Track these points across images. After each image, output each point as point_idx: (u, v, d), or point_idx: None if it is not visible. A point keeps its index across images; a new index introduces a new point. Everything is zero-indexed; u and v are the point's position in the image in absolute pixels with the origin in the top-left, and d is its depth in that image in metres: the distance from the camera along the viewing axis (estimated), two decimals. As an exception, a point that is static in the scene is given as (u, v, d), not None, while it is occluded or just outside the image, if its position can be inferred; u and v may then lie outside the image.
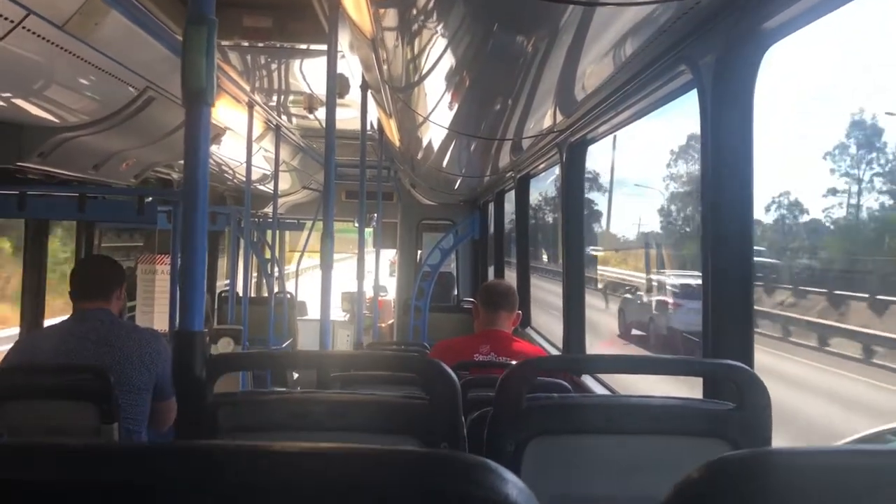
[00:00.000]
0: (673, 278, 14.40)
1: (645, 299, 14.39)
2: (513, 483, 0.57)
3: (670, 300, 13.63)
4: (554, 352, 4.41)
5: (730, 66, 1.94)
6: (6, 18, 2.60)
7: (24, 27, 2.71)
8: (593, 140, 3.66)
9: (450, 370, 1.54)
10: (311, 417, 1.51)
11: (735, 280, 1.92)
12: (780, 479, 0.63)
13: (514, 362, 3.52)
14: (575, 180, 3.78)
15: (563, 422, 1.55)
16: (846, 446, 0.61)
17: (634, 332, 13.96)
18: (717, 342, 1.92)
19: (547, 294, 8.68)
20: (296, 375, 7.26)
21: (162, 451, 0.59)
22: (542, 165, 4.97)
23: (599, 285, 16.16)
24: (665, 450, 1.56)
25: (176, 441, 0.79)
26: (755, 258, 2.04)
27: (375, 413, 1.53)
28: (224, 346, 4.82)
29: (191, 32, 1.41)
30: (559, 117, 3.50)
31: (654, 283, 14.79)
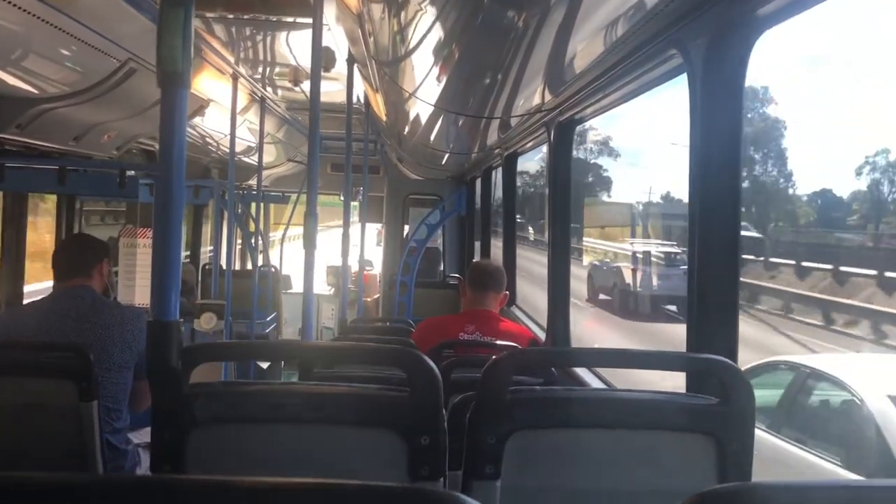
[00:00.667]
0: (637, 247, 15.60)
1: (612, 266, 15.25)
2: None
3: (630, 266, 14.77)
4: (539, 332, 4.41)
5: (721, 51, 1.91)
6: (-19, -12, 2.53)
7: (1, -3, 2.63)
8: (581, 120, 3.62)
9: (432, 364, 1.52)
10: (289, 409, 1.49)
11: (721, 273, 1.90)
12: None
13: (499, 342, 3.52)
14: (562, 161, 3.75)
15: (546, 416, 1.53)
16: (830, 481, 0.59)
17: (601, 296, 14.68)
18: (701, 337, 1.91)
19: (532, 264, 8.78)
20: None
21: (124, 485, 0.56)
22: (529, 144, 4.93)
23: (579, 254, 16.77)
24: (649, 444, 1.55)
25: (137, 477, 0.76)
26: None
27: (355, 405, 1.51)
28: (207, 321, 4.78)
29: (167, 12, 1.36)
30: (548, 96, 3.46)
31: (621, 252, 15.72)
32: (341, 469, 1.50)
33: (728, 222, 1.91)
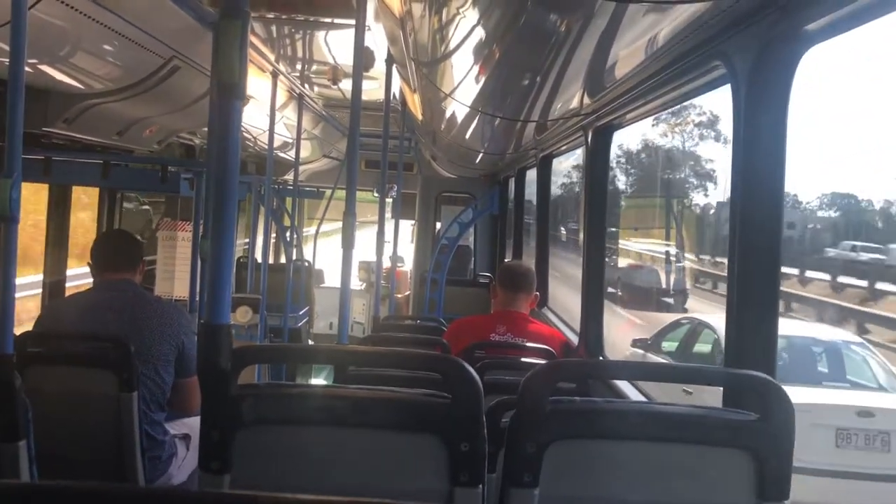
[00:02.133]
0: (636, 245, 16.90)
1: (617, 262, 16.05)
2: None
3: (630, 261, 16.22)
4: (570, 334, 4.41)
5: (767, 65, 1.90)
6: (35, -13, 2.59)
7: (52, -5, 2.70)
8: (620, 126, 3.62)
9: (474, 373, 1.54)
10: (333, 412, 1.52)
11: (760, 287, 1.90)
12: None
13: (530, 344, 3.54)
14: (599, 165, 3.75)
15: (585, 427, 1.55)
16: None
17: (608, 289, 15.63)
18: (739, 350, 1.91)
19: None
20: (310, 343, 7.30)
21: (172, 497, 0.59)
22: (565, 147, 4.92)
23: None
24: (686, 458, 1.56)
25: (183, 490, 0.79)
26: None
27: (398, 410, 1.54)
28: (242, 314, 4.85)
29: (225, 25, 1.39)
30: (586, 101, 3.46)
31: (624, 249, 16.64)
32: (382, 472, 1.53)
33: (769, 236, 1.91)
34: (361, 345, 4.18)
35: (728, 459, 1.54)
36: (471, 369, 1.53)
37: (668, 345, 8.60)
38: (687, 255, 15.99)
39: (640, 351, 8.43)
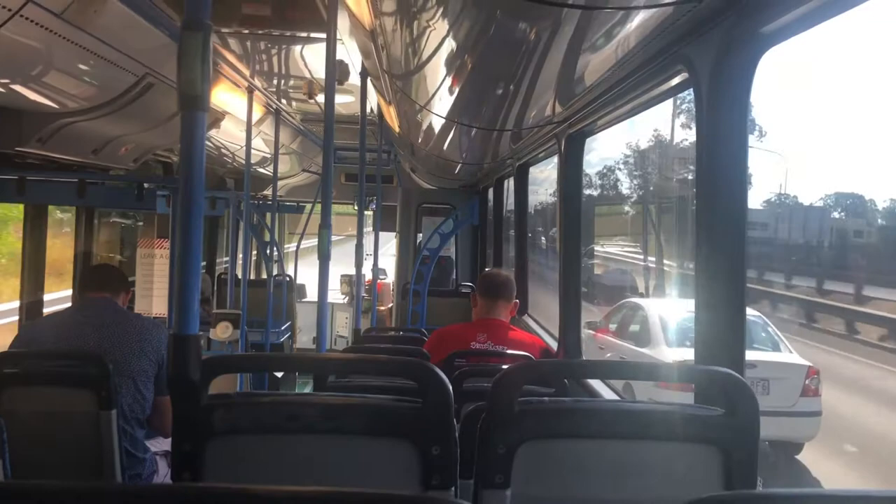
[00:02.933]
0: (606, 247, 17.48)
1: (587, 262, 16.81)
2: None
3: (598, 262, 16.77)
4: (549, 340, 4.43)
5: (727, 67, 1.94)
6: (5, 7, 2.59)
7: (22, 15, 2.70)
8: (591, 132, 3.65)
9: (444, 376, 1.55)
10: (304, 419, 1.53)
11: (727, 285, 1.93)
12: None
13: (510, 351, 3.56)
14: (573, 171, 3.78)
15: (555, 426, 1.57)
16: (832, 490, 0.62)
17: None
18: (707, 348, 1.94)
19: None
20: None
21: (147, 494, 0.61)
22: (541, 154, 4.96)
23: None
24: (656, 455, 1.58)
25: (159, 485, 0.80)
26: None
27: (369, 416, 1.55)
28: (223, 330, 4.84)
29: (187, 38, 1.41)
30: (558, 108, 3.49)
31: (595, 251, 17.10)
32: (355, 478, 1.54)
33: (734, 235, 1.94)
34: None
35: (696, 454, 1.56)
36: (440, 373, 1.55)
37: (613, 325, 10.34)
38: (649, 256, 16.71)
39: (591, 331, 9.81)
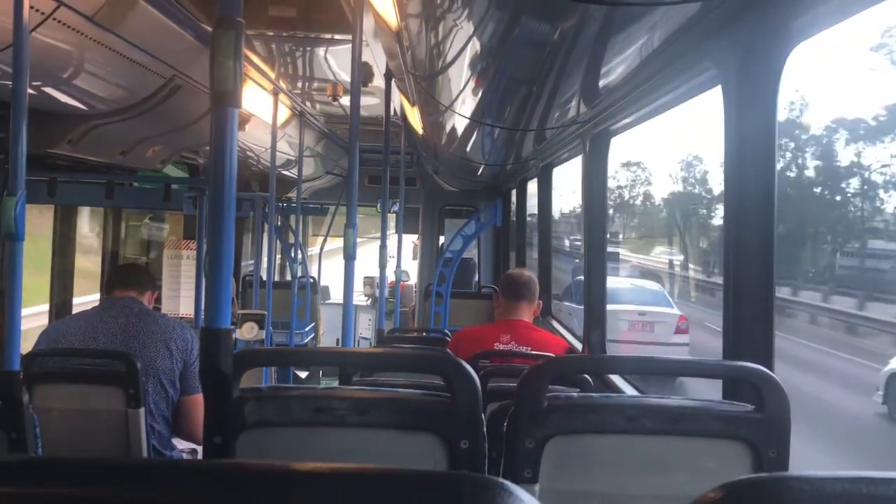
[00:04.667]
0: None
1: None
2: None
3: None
4: (573, 341, 4.42)
5: (754, 63, 1.93)
6: (38, 10, 2.64)
7: (54, 18, 2.75)
8: (616, 132, 3.64)
9: (472, 370, 1.56)
10: (334, 413, 1.54)
11: (757, 280, 1.91)
12: None
13: (534, 351, 3.55)
14: (598, 172, 3.77)
15: (583, 421, 1.57)
16: (870, 473, 0.61)
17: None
18: (737, 343, 1.93)
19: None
20: None
21: (186, 468, 0.62)
22: (565, 155, 4.95)
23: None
24: (684, 451, 1.57)
25: (197, 461, 0.81)
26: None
27: (397, 410, 1.55)
28: (248, 330, 4.87)
29: (219, 35, 1.43)
30: (583, 108, 3.49)
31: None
32: (384, 472, 1.55)
33: (763, 231, 1.93)
34: None
35: (726, 451, 1.55)
36: (468, 367, 1.55)
37: (567, 297, 12.27)
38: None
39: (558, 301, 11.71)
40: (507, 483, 0.57)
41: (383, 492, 0.57)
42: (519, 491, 0.58)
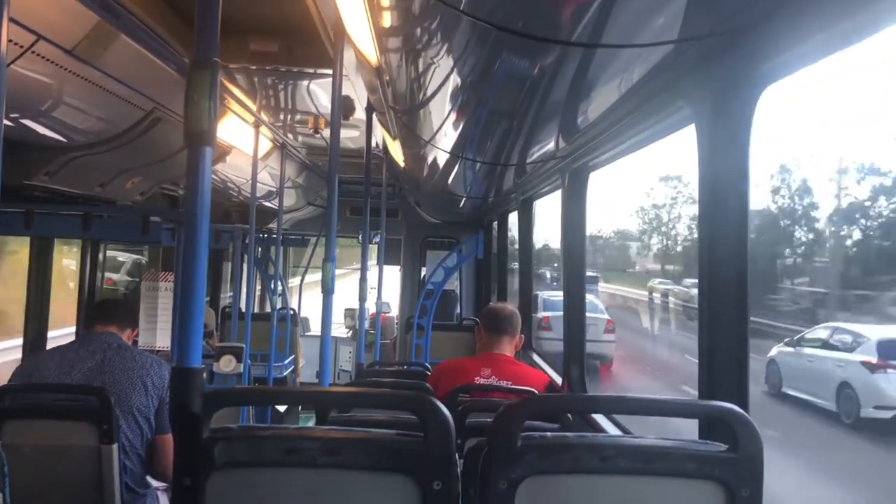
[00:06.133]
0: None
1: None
2: None
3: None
4: (554, 375, 4.41)
5: (727, 103, 1.96)
6: (16, 44, 2.64)
7: (33, 51, 2.74)
8: (594, 167, 3.68)
9: (445, 410, 1.55)
10: (305, 454, 1.52)
11: (730, 320, 1.92)
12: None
13: (514, 386, 3.54)
14: (576, 206, 3.80)
15: (556, 461, 1.55)
16: None
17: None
18: (712, 383, 1.93)
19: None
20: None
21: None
22: (545, 189, 4.99)
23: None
24: (658, 491, 1.57)
25: None
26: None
27: (369, 451, 1.54)
28: (226, 363, 4.83)
29: (195, 75, 1.43)
30: (562, 144, 3.52)
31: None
32: (355, 513, 1.53)
33: (737, 271, 1.94)
34: None
35: (700, 490, 1.55)
36: (441, 406, 1.54)
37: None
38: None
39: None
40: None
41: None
42: None
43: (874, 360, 8.82)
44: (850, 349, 9.48)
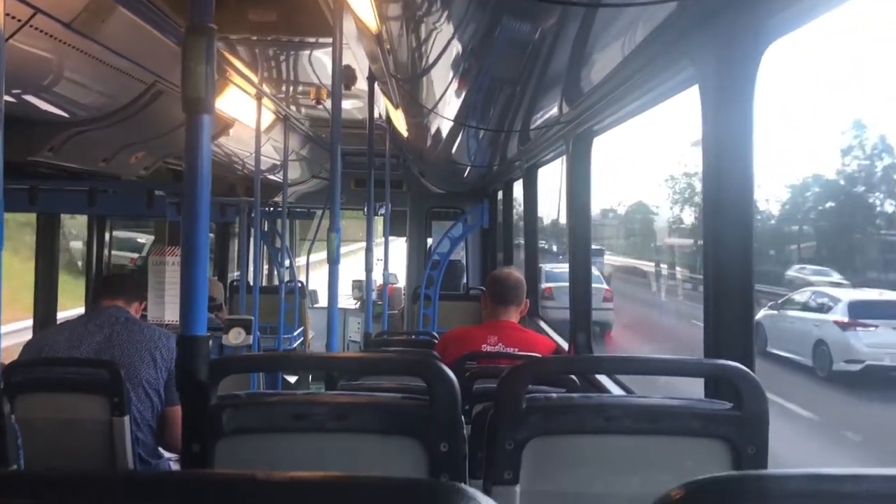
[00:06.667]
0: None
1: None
2: None
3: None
4: (560, 341, 4.42)
5: (731, 61, 1.93)
6: (14, 17, 2.62)
7: (31, 26, 2.73)
8: (598, 132, 3.65)
9: (450, 372, 1.56)
10: (312, 419, 1.53)
11: (735, 279, 1.92)
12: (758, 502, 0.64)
13: (521, 352, 3.55)
14: (581, 172, 3.78)
15: (562, 422, 1.56)
16: (829, 470, 0.62)
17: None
18: (717, 342, 1.93)
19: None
20: None
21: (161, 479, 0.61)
22: (549, 156, 4.96)
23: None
24: (663, 450, 1.58)
25: (167, 472, 0.81)
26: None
27: (376, 414, 1.55)
28: (235, 336, 4.85)
29: (190, 42, 1.42)
30: (565, 108, 3.50)
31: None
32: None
33: (741, 230, 1.93)
34: None
35: (705, 449, 1.56)
36: (446, 369, 1.55)
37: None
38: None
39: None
40: (463, 487, 0.57)
41: (338, 499, 0.56)
42: (477, 494, 0.58)
43: (845, 319, 9.69)
44: (826, 310, 10.24)
